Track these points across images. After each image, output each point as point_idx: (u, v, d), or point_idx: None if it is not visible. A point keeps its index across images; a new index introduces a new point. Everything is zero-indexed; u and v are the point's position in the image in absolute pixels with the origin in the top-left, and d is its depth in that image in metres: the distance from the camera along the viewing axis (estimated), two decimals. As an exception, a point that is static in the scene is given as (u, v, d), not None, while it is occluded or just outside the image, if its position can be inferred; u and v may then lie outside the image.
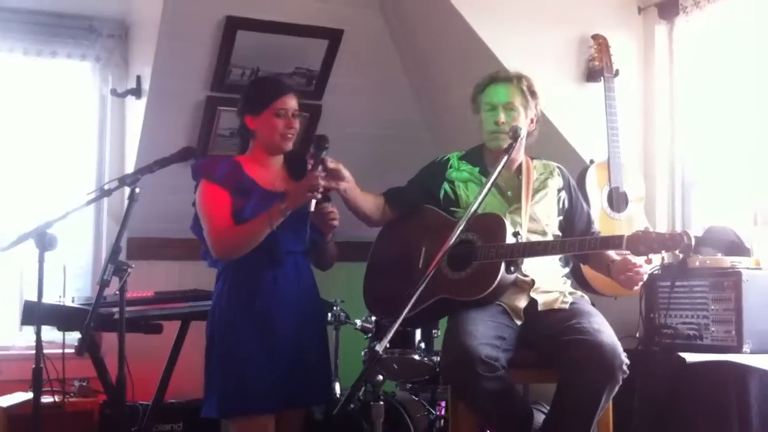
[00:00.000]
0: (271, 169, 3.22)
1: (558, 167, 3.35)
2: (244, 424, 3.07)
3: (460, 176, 3.27)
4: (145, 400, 4.05)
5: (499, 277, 2.99)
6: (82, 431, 4.00)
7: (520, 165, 3.27)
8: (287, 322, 3.12)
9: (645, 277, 3.01)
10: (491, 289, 3.00)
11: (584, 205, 3.39)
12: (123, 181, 2.90)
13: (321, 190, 3.02)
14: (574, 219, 3.31)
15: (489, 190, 2.95)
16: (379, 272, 3.38)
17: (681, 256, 2.91)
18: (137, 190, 2.88)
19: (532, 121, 3.24)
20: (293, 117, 3.17)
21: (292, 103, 3.18)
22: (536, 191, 3.24)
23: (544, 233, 3.21)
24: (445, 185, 3.28)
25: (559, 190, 3.29)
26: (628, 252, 2.92)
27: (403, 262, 3.24)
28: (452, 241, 2.77)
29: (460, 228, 2.80)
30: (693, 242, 2.81)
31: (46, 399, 3.80)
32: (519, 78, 3.23)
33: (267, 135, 3.17)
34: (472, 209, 2.86)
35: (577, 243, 3.08)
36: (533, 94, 3.23)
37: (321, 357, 3.23)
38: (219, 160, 3.22)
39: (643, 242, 2.86)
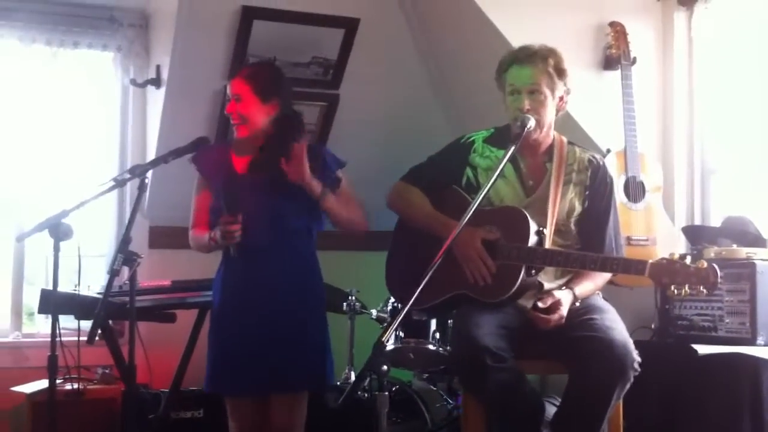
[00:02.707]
0: (251, 154, 3.25)
1: (591, 160, 3.10)
2: (230, 402, 3.21)
3: (483, 163, 3.10)
4: (168, 389, 4.09)
5: (518, 282, 2.90)
6: (105, 418, 4.04)
7: (550, 150, 3.10)
8: (268, 309, 3.14)
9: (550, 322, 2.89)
10: (510, 293, 2.92)
11: (607, 214, 3.09)
12: (132, 171, 2.93)
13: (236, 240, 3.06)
14: (585, 223, 3.08)
15: (492, 185, 2.84)
16: (400, 254, 3.27)
17: (705, 292, 2.65)
18: (147, 180, 2.91)
19: (561, 99, 3.04)
20: (236, 102, 3.17)
21: (233, 87, 3.18)
22: (564, 184, 3.06)
23: (566, 233, 3.07)
24: (468, 171, 3.13)
25: (585, 188, 3.08)
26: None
27: (423, 246, 3.04)
28: (458, 230, 2.69)
29: (466, 219, 2.70)
30: (719, 279, 2.63)
31: (69, 387, 3.89)
32: (545, 57, 2.99)
33: None
34: (479, 200, 2.75)
35: (600, 261, 2.87)
36: (561, 72, 3.01)
37: (311, 343, 3.20)
38: (213, 149, 3.32)
39: (666, 273, 2.68)
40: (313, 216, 3.24)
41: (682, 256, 2.70)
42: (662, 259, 2.72)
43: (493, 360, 2.80)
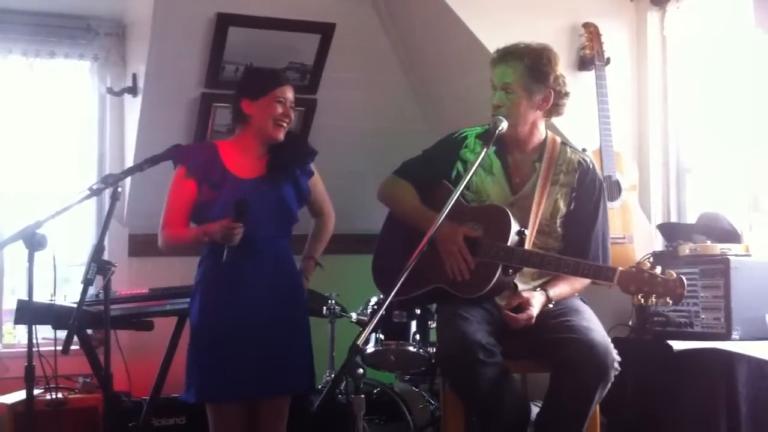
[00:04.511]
0: (251, 157, 3.27)
1: (581, 163, 3.12)
2: (217, 410, 3.18)
3: (473, 158, 3.08)
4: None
5: (494, 280, 2.94)
6: (87, 426, 4.02)
7: (541, 149, 3.12)
8: (260, 310, 3.17)
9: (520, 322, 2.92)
10: (485, 291, 2.96)
11: (594, 217, 3.10)
12: (105, 181, 2.93)
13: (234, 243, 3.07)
14: (571, 225, 3.10)
15: (468, 180, 2.88)
16: (386, 246, 3.32)
17: (671, 302, 2.69)
18: (119, 189, 2.91)
19: (545, 100, 3.05)
20: (290, 108, 3.25)
21: (290, 94, 3.26)
22: (551, 184, 3.09)
23: (549, 233, 3.10)
24: (458, 165, 3.16)
25: (572, 189, 3.10)
26: (614, 285, 2.75)
27: (411, 239, 2.99)
28: (438, 223, 2.73)
29: (445, 212, 2.74)
30: (685, 291, 2.67)
31: (51, 396, 3.88)
32: (520, 57, 3.03)
33: (262, 120, 3.22)
34: (456, 193, 2.79)
35: (572, 265, 2.87)
36: (538, 73, 3.02)
37: (299, 344, 3.25)
38: (197, 147, 3.32)
39: (634, 282, 2.71)
40: (299, 207, 3.35)
41: (652, 256, 2.72)
42: (632, 267, 2.74)
43: (485, 355, 2.83)
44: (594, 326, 2.91)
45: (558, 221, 3.10)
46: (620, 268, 2.76)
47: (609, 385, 2.86)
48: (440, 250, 3.01)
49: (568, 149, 3.16)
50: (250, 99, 3.22)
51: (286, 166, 3.29)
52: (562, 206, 3.10)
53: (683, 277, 2.67)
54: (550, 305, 3.00)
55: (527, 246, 2.99)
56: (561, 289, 3.04)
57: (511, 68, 3.04)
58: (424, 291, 3.09)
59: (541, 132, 3.15)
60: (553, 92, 3.07)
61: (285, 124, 3.24)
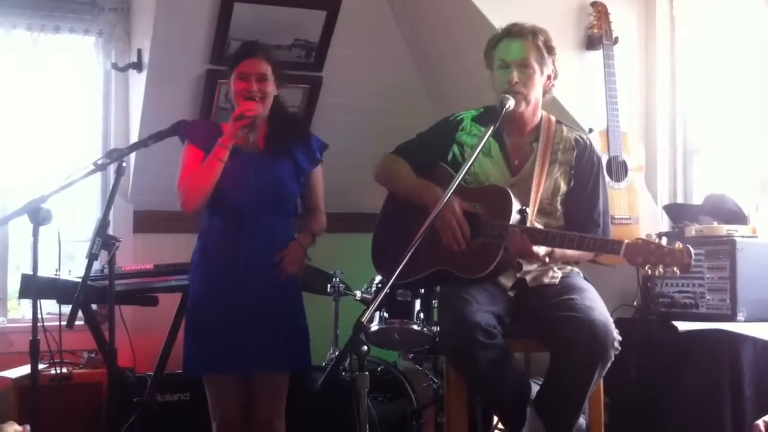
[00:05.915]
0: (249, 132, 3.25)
1: (579, 140, 3.12)
2: (213, 383, 3.21)
3: (469, 141, 3.11)
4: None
5: (497, 259, 2.94)
6: (92, 401, 4.05)
7: (537, 129, 3.11)
8: (253, 285, 3.17)
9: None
10: (488, 270, 2.96)
11: (595, 194, 3.11)
12: (110, 156, 2.92)
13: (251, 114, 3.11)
14: (572, 203, 3.10)
15: (473, 162, 2.86)
16: (387, 229, 3.31)
17: (678, 272, 2.66)
18: (124, 164, 2.90)
19: (549, 78, 3.06)
20: (258, 81, 3.17)
21: (256, 66, 3.18)
22: (550, 163, 3.08)
23: (550, 212, 3.09)
24: (455, 148, 3.15)
25: (571, 167, 3.10)
26: (619, 257, 2.75)
27: (409, 222, 3.04)
28: (437, 211, 2.72)
29: (450, 191, 2.74)
30: (693, 260, 2.65)
31: (55, 371, 3.89)
32: (534, 33, 3.03)
33: (235, 97, 3.21)
34: (462, 174, 2.78)
35: (577, 239, 2.86)
36: (550, 49, 3.04)
37: (294, 321, 3.26)
38: (203, 123, 3.30)
39: (641, 253, 2.69)
40: (297, 185, 3.32)
41: (659, 236, 2.71)
42: (638, 239, 2.73)
43: (485, 336, 2.83)
44: (596, 305, 2.91)
45: (558, 200, 3.10)
46: (626, 241, 2.75)
47: (608, 364, 2.86)
48: (437, 224, 2.97)
49: (564, 127, 3.16)
50: (227, 79, 3.25)
51: (284, 142, 3.26)
52: (563, 184, 3.10)
53: (690, 247, 2.65)
54: (555, 269, 3.00)
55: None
56: (564, 251, 3.00)
57: (529, 43, 3.03)
58: (427, 274, 3.08)
59: (540, 112, 3.15)
60: (553, 71, 3.09)
61: (255, 99, 3.15)
